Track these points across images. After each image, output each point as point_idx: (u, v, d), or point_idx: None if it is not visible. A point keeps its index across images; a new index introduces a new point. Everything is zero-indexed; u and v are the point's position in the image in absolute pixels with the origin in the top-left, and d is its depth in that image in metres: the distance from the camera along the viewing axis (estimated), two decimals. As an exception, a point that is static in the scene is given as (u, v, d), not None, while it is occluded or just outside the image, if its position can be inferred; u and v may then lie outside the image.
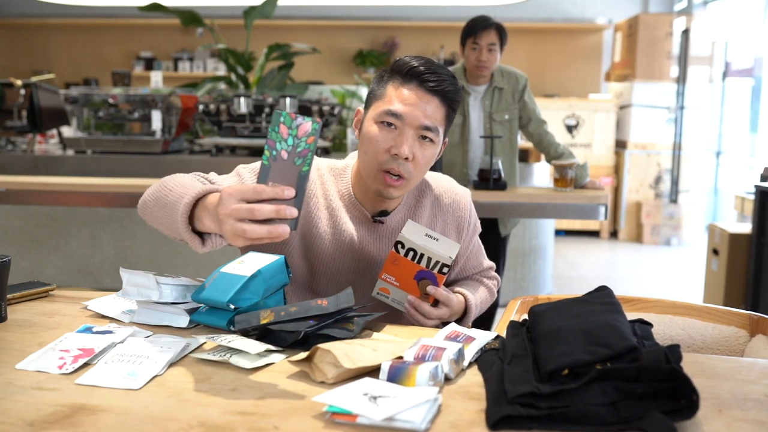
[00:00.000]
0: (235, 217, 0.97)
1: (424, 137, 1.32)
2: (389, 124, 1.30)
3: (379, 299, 1.39)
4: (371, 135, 1.32)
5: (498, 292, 1.61)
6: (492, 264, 1.61)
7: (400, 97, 1.30)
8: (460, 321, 1.45)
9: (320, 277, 1.41)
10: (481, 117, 3.15)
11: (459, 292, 1.44)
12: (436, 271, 1.35)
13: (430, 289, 1.35)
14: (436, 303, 1.36)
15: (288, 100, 3.75)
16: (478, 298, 1.48)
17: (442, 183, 1.50)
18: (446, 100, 1.33)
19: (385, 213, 1.42)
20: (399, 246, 1.35)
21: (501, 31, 3.06)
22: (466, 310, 1.45)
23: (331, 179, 1.42)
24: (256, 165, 1.37)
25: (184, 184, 1.17)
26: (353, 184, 1.42)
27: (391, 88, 1.32)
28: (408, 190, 1.36)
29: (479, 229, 1.56)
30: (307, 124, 0.99)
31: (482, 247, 1.59)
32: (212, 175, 1.30)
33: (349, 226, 1.39)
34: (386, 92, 1.33)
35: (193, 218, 1.13)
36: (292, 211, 0.97)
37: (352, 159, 1.46)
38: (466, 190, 1.53)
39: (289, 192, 0.97)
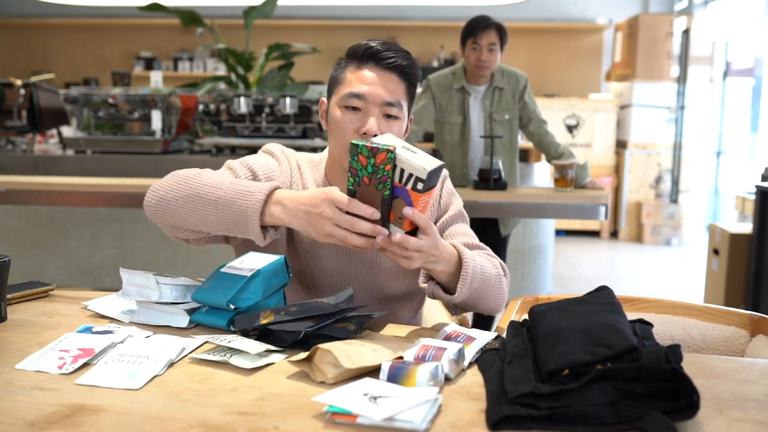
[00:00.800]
0: (335, 222, 1.14)
1: (389, 115, 1.35)
2: (354, 108, 1.34)
3: None
4: (337, 120, 1.35)
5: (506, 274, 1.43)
6: (489, 250, 1.48)
7: (359, 79, 1.34)
8: (455, 281, 1.28)
9: (304, 266, 1.41)
10: (482, 117, 3.16)
11: (450, 244, 1.31)
12: (409, 187, 1.14)
13: (407, 210, 1.14)
14: (415, 233, 1.20)
15: (288, 100, 3.75)
16: (477, 259, 1.32)
17: None
18: (404, 74, 1.36)
19: None
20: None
21: (501, 31, 3.06)
22: (461, 265, 1.28)
23: (308, 170, 1.45)
24: (247, 159, 1.43)
25: (234, 182, 1.26)
26: (328, 174, 1.45)
27: (350, 72, 1.36)
28: None
29: (460, 212, 1.49)
30: (383, 154, 1.12)
31: (475, 237, 1.49)
32: (208, 171, 1.34)
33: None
34: (346, 77, 1.36)
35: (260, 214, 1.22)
36: (383, 231, 1.15)
37: (327, 151, 1.49)
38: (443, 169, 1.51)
39: (376, 214, 1.14)
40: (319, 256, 1.40)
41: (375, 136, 1.31)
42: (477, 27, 3.04)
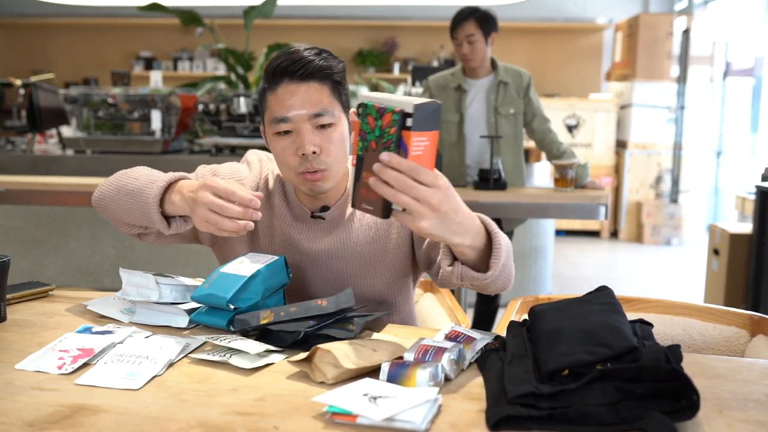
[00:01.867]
0: (208, 207, 1.16)
1: (321, 125, 1.30)
2: (285, 132, 1.30)
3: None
4: (275, 148, 1.34)
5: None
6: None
7: (279, 101, 1.29)
8: (482, 258, 1.12)
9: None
10: (485, 112, 3.15)
11: (476, 215, 1.12)
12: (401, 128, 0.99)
13: (383, 156, 0.96)
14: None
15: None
16: (501, 234, 1.15)
17: None
18: (322, 77, 1.29)
19: (326, 208, 1.41)
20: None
21: (481, 20, 3.04)
22: (490, 238, 1.12)
23: (278, 183, 1.44)
24: (216, 167, 1.46)
25: (151, 173, 1.31)
26: (296, 191, 1.42)
27: (270, 96, 1.31)
28: (336, 177, 1.34)
29: None
30: (388, 115, 0.99)
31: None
32: (146, 168, 1.39)
33: (289, 225, 1.40)
34: (268, 103, 1.32)
35: (163, 202, 1.26)
36: (256, 215, 1.17)
37: None
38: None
39: (255, 203, 1.16)
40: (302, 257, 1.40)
41: (314, 153, 1.28)
42: (454, 22, 3.07)
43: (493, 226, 1.13)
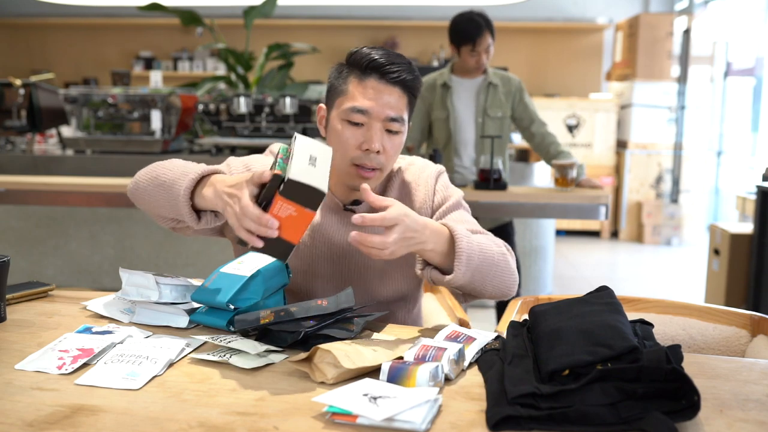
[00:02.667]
0: (232, 208, 1.12)
1: (390, 130, 1.33)
2: (356, 123, 1.32)
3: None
4: (340, 133, 1.33)
5: (518, 266, 1.35)
6: (486, 232, 1.41)
7: (363, 93, 1.32)
8: (452, 261, 1.22)
9: (297, 270, 1.40)
10: (473, 112, 3.15)
11: (441, 224, 1.26)
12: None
13: (356, 217, 1.09)
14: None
15: (288, 99, 3.75)
16: (473, 237, 1.26)
17: (409, 162, 1.49)
18: (407, 88, 1.34)
19: (357, 202, 1.42)
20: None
21: (492, 29, 3.07)
22: (454, 241, 1.22)
23: None
24: (247, 157, 1.45)
25: (185, 165, 1.29)
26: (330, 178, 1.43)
27: (353, 84, 1.33)
28: (381, 178, 1.38)
29: (459, 202, 1.44)
30: (278, 171, 1.09)
31: (475, 222, 1.43)
32: (180, 160, 1.36)
33: (321, 216, 1.40)
34: (348, 88, 1.34)
35: (194, 196, 1.24)
36: (270, 233, 1.08)
37: None
38: (437, 166, 1.49)
39: (271, 232, 1.07)
40: (313, 257, 1.40)
41: (378, 152, 1.31)
42: (473, 34, 3.05)
43: (458, 232, 1.22)
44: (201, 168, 1.24)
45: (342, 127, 1.33)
